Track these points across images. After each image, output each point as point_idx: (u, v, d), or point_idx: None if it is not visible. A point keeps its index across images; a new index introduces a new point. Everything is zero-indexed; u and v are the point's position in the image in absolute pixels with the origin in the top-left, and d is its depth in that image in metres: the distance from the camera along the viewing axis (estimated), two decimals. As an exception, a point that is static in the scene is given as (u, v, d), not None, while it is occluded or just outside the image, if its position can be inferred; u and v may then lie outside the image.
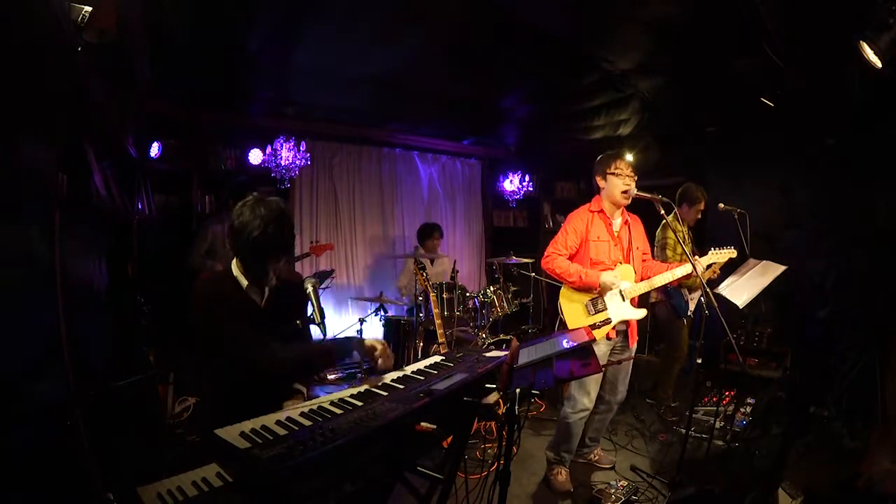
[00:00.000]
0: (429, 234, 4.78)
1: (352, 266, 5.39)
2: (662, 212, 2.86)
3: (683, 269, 2.80)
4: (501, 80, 4.06)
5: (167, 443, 2.88)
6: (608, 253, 2.84)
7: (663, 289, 3.91)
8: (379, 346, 1.74)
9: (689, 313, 3.88)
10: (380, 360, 1.73)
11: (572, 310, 2.86)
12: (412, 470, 1.75)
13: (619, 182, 2.79)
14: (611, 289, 2.77)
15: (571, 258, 2.86)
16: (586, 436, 3.11)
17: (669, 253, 3.79)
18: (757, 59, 3.05)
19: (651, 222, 3.54)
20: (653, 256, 3.24)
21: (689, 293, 3.87)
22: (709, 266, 2.95)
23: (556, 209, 6.42)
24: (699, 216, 3.95)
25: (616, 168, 2.80)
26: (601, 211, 2.88)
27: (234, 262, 1.79)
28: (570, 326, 2.82)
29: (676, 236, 3.07)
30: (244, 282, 1.77)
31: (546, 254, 2.89)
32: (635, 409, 4.01)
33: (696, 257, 2.81)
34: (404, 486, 1.80)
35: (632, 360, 2.96)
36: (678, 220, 3.82)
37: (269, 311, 1.81)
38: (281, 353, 1.72)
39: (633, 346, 2.91)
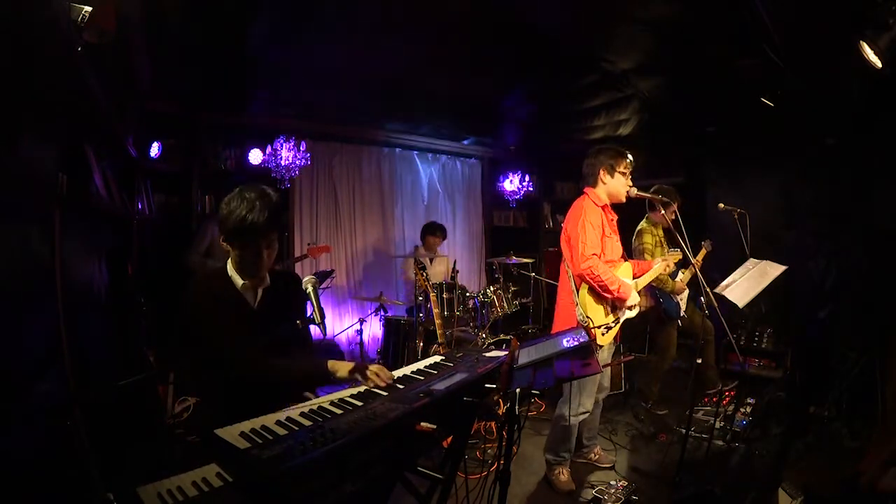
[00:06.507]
0: (431, 231, 4.79)
1: (352, 266, 5.39)
2: (663, 212, 2.87)
3: (658, 268, 2.87)
4: (501, 80, 4.06)
5: (167, 443, 2.87)
6: (614, 249, 2.82)
7: (653, 295, 3.91)
8: (372, 370, 1.67)
9: (682, 314, 3.89)
10: (376, 381, 1.66)
11: (597, 308, 2.74)
12: (412, 470, 1.75)
13: (626, 181, 2.78)
14: (634, 306, 2.73)
15: None
16: (582, 436, 3.10)
17: (648, 258, 3.79)
18: (757, 59, 3.05)
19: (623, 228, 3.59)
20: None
21: (676, 295, 3.88)
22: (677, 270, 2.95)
23: (556, 209, 6.43)
24: (673, 216, 3.93)
25: (625, 168, 2.78)
26: (605, 206, 2.83)
27: (229, 261, 1.79)
28: (595, 323, 2.76)
29: (680, 239, 3.07)
30: (239, 281, 1.76)
31: (585, 255, 2.64)
32: (635, 408, 4.01)
33: (696, 258, 2.83)
34: (404, 486, 1.81)
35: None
36: (653, 224, 3.86)
37: (261, 313, 1.80)
38: (264, 362, 1.70)
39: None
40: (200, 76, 3.61)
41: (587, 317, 2.70)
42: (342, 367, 1.70)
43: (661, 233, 3.90)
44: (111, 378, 2.32)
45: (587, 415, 2.84)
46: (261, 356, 1.70)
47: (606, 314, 2.75)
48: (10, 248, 1.44)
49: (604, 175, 2.80)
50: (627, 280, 2.78)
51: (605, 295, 2.68)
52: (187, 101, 4.13)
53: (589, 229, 2.69)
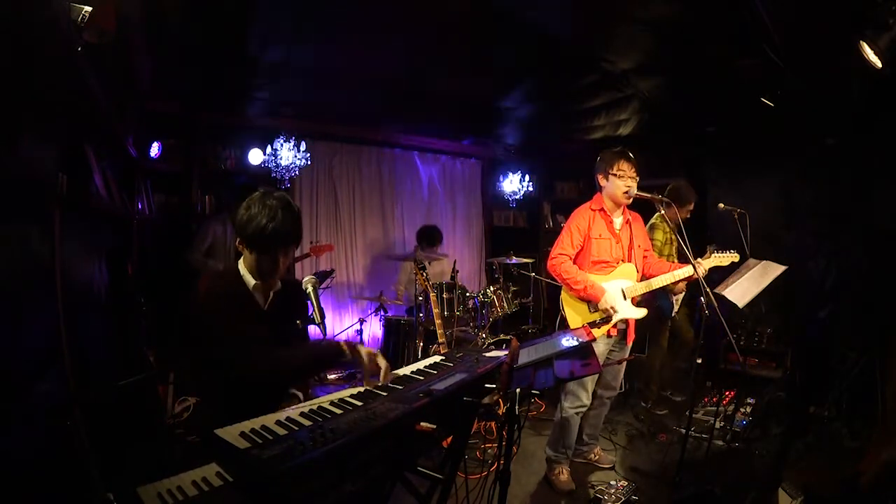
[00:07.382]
0: (430, 239, 4.77)
1: (352, 266, 5.39)
2: (662, 212, 2.87)
3: (685, 271, 2.81)
4: (501, 80, 4.06)
5: (167, 443, 2.87)
6: (610, 251, 2.83)
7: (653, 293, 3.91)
8: (378, 359, 1.65)
9: (674, 314, 3.89)
10: (375, 366, 1.64)
11: (574, 306, 2.85)
12: (412, 470, 1.75)
13: (621, 183, 2.78)
14: (608, 309, 2.73)
15: (575, 257, 2.85)
16: (583, 433, 3.11)
17: (655, 255, 3.79)
18: (757, 59, 3.05)
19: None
20: None
21: (673, 295, 3.87)
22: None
23: (556, 209, 6.43)
24: (688, 216, 3.91)
25: (619, 169, 2.79)
26: (602, 209, 2.87)
27: (240, 261, 1.79)
28: (570, 323, 2.83)
29: (678, 238, 3.07)
30: (251, 281, 1.77)
31: (552, 255, 2.85)
32: (635, 408, 4.01)
33: (699, 259, 2.82)
34: (404, 486, 1.80)
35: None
36: (666, 222, 3.83)
37: (270, 314, 1.80)
38: (275, 358, 1.69)
39: (629, 344, 2.93)
40: (200, 76, 3.61)
41: (562, 311, 2.88)
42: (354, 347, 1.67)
43: (671, 231, 3.87)
44: (111, 378, 2.32)
45: (584, 408, 2.85)
46: (268, 353, 1.70)
47: (590, 311, 2.81)
48: (10, 248, 1.44)
49: (601, 179, 2.87)
50: (613, 282, 2.80)
51: (573, 290, 2.80)
52: (187, 101, 4.13)
53: (565, 232, 2.87)
